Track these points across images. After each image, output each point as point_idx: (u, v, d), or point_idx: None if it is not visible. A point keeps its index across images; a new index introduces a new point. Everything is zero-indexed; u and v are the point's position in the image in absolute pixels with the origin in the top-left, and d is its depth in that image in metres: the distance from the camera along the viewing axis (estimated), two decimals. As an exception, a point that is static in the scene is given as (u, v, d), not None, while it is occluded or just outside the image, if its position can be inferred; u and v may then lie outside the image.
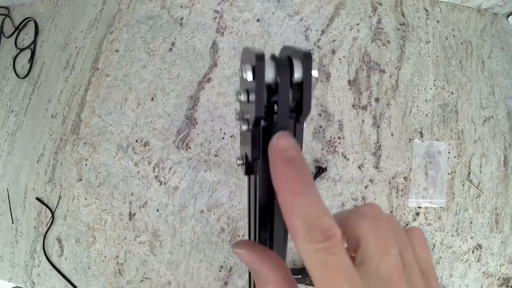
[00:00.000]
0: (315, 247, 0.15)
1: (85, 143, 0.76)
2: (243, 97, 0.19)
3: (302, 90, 0.19)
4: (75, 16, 0.89)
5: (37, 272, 0.73)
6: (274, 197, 0.20)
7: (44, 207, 0.75)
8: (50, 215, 0.74)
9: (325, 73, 0.72)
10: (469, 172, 0.68)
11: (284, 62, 0.19)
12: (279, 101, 0.19)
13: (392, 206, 0.66)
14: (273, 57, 0.19)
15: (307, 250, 0.15)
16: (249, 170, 0.22)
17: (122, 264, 0.68)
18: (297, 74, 0.19)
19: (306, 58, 0.19)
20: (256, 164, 0.21)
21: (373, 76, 0.72)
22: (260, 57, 0.17)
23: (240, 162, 0.22)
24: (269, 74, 0.18)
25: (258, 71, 0.18)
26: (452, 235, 0.65)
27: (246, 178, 0.23)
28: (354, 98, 0.71)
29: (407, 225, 0.65)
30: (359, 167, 0.67)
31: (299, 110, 0.20)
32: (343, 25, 0.75)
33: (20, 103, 0.87)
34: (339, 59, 0.73)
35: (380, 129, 0.69)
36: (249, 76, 0.17)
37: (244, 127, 0.19)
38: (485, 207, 0.67)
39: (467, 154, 0.69)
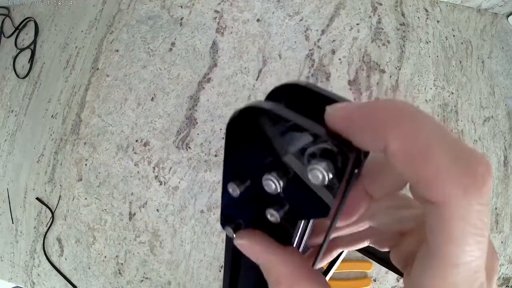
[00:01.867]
0: (477, 195, 0.10)
1: (85, 143, 0.76)
2: (275, 186, 0.13)
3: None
4: (75, 16, 0.89)
5: (37, 272, 0.73)
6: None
7: (44, 207, 0.75)
8: (50, 215, 0.74)
9: (325, 73, 0.72)
10: (469, 172, 0.68)
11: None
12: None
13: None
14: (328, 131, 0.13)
15: (461, 204, 0.10)
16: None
17: (122, 264, 0.68)
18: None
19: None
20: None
21: (373, 76, 0.72)
22: (355, 155, 0.12)
23: (235, 233, 0.17)
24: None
25: (346, 179, 0.12)
26: (452, 235, 0.65)
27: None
28: (354, 98, 0.71)
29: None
30: (359, 167, 0.67)
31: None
32: (343, 25, 0.75)
33: (20, 103, 0.87)
34: (339, 59, 0.73)
35: (380, 129, 0.69)
36: (325, 179, 0.12)
37: (279, 215, 0.14)
38: (485, 207, 0.67)
39: (467, 154, 0.69)
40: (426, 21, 0.76)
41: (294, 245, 0.16)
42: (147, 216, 0.69)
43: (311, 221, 0.16)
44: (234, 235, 0.17)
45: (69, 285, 0.70)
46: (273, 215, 0.14)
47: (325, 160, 0.12)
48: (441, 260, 0.12)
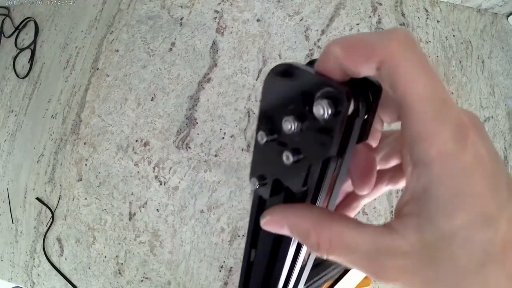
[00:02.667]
0: (405, 43, 0.14)
1: (85, 143, 0.76)
2: (291, 125, 0.16)
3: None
4: (75, 16, 0.89)
5: (37, 272, 0.73)
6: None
7: (44, 207, 0.75)
8: (50, 215, 0.74)
9: (325, 73, 0.72)
10: (469, 172, 0.68)
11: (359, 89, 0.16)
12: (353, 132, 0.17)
13: (392, 206, 0.66)
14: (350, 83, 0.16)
15: (398, 52, 0.14)
16: (275, 192, 0.19)
17: (122, 264, 0.68)
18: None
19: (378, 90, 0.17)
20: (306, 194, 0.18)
21: (373, 76, 0.72)
22: (348, 94, 0.15)
23: (259, 184, 0.19)
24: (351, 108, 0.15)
25: (343, 114, 0.15)
26: (452, 235, 0.65)
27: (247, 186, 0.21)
28: (354, 98, 0.71)
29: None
30: (359, 167, 0.67)
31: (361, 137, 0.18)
32: (343, 25, 0.75)
33: (20, 103, 0.87)
34: (339, 59, 0.73)
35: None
36: (325, 113, 0.15)
37: (293, 158, 0.17)
38: (485, 207, 0.67)
39: (467, 154, 0.69)
40: (426, 21, 0.76)
41: (311, 201, 0.18)
42: (147, 216, 0.69)
43: (327, 178, 0.18)
44: (258, 185, 0.19)
45: (69, 285, 0.70)
46: (288, 157, 0.17)
47: (327, 99, 0.15)
48: (408, 102, 0.14)
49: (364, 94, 0.17)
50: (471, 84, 0.73)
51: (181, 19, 0.79)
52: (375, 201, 0.66)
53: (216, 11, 0.79)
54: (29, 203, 0.77)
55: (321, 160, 0.16)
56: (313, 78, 0.16)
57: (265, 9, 0.77)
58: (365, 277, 0.62)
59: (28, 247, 0.75)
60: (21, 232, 0.77)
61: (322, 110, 0.15)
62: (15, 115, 0.87)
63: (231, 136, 0.70)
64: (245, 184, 0.68)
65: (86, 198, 0.73)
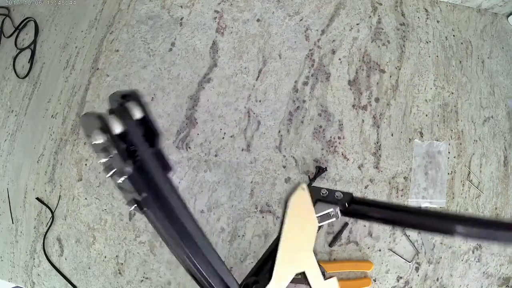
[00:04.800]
0: None
1: (85, 143, 0.76)
2: (104, 155, 0.23)
3: (146, 122, 0.24)
4: (75, 16, 0.89)
5: (37, 272, 0.73)
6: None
7: (44, 207, 0.75)
8: (50, 215, 0.74)
9: (325, 73, 0.72)
10: (469, 172, 0.68)
11: (120, 110, 0.23)
12: (135, 142, 0.25)
13: (392, 206, 0.66)
14: (111, 111, 0.23)
15: None
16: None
17: (122, 264, 0.68)
18: (138, 114, 0.25)
19: (135, 97, 0.25)
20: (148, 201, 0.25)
21: (373, 76, 0.72)
22: (100, 118, 0.22)
23: (132, 208, 0.26)
24: (117, 127, 0.23)
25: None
26: (452, 235, 0.65)
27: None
28: (354, 98, 0.71)
29: (407, 225, 0.65)
30: (359, 167, 0.67)
31: (152, 136, 0.25)
32: (343, 25, 0.75)
33: (20, 103, 0.87)
34: (339, 59, 0.73)
35: (380, 129, 0.69)
36: (98, 139, 0.22)
37: (119, 179, 0.23)
38: (485, 207, 0.67)
39: (467, 154, 0.69)
40: (426, 21, 0.76)
41: None
42: (147, 216, 0.69)
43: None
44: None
45: (69, 285, 0.70)
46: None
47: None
48: None
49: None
50: (471, 84, 0.73)
51: (181, 19, 0.79)
52: (375, 201, 0.66)
53: (216, 11, 0.79)
54: (29, 203, 0.77)
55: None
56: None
57: (265, 9, 0.77)
58: (365, 277, 0.62)
59: (28, 247, 0.75)
60: (21, 232, 0.77)
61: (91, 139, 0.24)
62: (15, 115, 0.87)
63: (231, 136, 0.70)
64: (245, 184, 0.68)
65: (86, 198, 0.73)
